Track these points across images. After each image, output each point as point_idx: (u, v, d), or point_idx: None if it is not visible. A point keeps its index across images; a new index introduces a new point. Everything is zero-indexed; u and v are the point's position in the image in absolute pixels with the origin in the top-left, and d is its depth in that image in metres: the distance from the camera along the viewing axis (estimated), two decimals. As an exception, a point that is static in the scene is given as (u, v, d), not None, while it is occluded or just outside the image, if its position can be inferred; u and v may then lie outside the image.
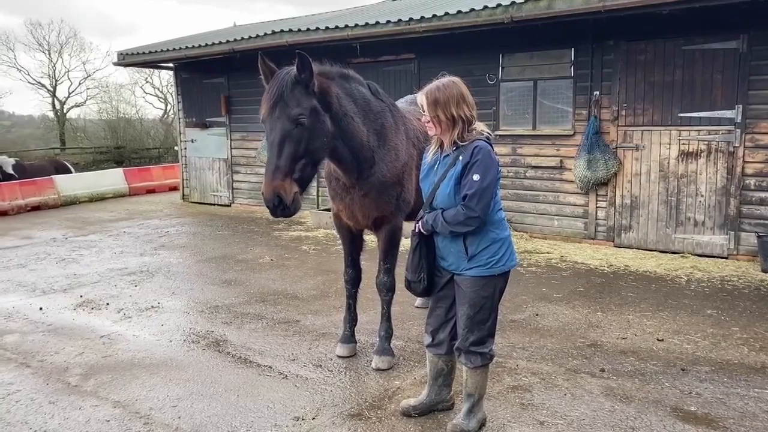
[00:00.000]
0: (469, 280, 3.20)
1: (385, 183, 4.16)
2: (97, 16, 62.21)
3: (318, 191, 10.91)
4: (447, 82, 3.15)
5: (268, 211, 3.63)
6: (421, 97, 3.17)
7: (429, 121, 3.17)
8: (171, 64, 13.17)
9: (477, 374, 3.34)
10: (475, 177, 3.02)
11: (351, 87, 4.07)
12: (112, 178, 15.32)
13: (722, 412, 3.66)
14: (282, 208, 3.54)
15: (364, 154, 4.06)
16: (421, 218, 3.30)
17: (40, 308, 5.98)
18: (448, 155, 3.18)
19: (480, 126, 3.17)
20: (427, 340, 3.53)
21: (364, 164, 4.07)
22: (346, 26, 9.16)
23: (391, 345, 4.49)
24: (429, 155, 3.34)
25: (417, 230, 3.32)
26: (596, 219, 8.29)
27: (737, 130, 7.19)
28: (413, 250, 3.34)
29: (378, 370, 4.31)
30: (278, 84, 3.61)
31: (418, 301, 5.63)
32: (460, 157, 3.10)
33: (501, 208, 3.25)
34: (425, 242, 3.32)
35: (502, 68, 8.80)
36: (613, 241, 8.16)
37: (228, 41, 10.84)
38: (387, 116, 4.25)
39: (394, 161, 4.19)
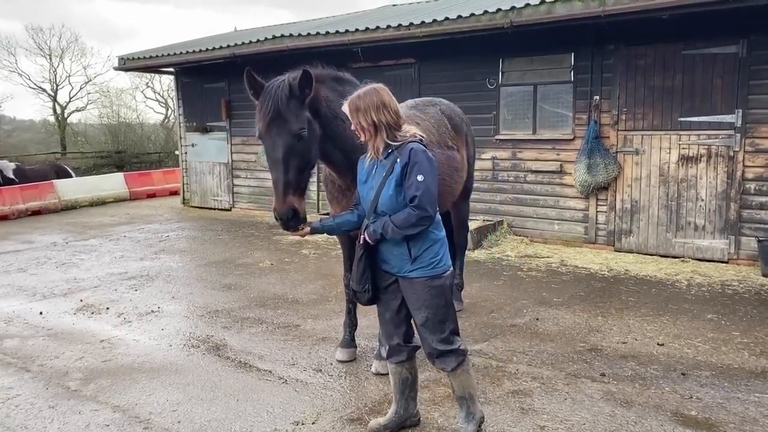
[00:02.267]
0: (417, 283, 3.20)
1: None
2: (97, 20, 62.31)
3: (318, 195, 10.92)
4: (368, 89, 3.20)
5: (273, 218, 3.67)
6: (344, 107, 3.24)
7: (356, 129, 3.23)
8: (172, 69, 13.20)
9: (458, 375, 3.32)
10: (419, 177, 3.06)
11: (344, 90, 4.06)
12: (113, 183, 15.35)
13: (723, 417, 3.65)
14: (296, 220, 3.58)
15: (357, 157, 4.05)
16: (366, 228, 3.27)
17: (40, 312, 5.99)
18: (383, 159, 3.21)
19: (412, 129, 3.23)
20: (385, 351, 3.48)
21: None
22: (347, 31, 9.19)
23: (391, 349, 4.49)
24: (366, 160, 3.36)
25: (362, 241, 3.28)
26: (596, 223, 8.29)
27: (737, 134, 7.19)
28: (358, 260, 3.32)
29: (378, 374, 4.30)
30: (272, 99, 3.61)
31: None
32: (398, 160, 3.13)
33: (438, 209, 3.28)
34: (369, 252, 3.30)
35: (502, 73, 8.81)
36: (613, 246, 8.15)
37: (229, 46, 10.88)
38: None
39: None
